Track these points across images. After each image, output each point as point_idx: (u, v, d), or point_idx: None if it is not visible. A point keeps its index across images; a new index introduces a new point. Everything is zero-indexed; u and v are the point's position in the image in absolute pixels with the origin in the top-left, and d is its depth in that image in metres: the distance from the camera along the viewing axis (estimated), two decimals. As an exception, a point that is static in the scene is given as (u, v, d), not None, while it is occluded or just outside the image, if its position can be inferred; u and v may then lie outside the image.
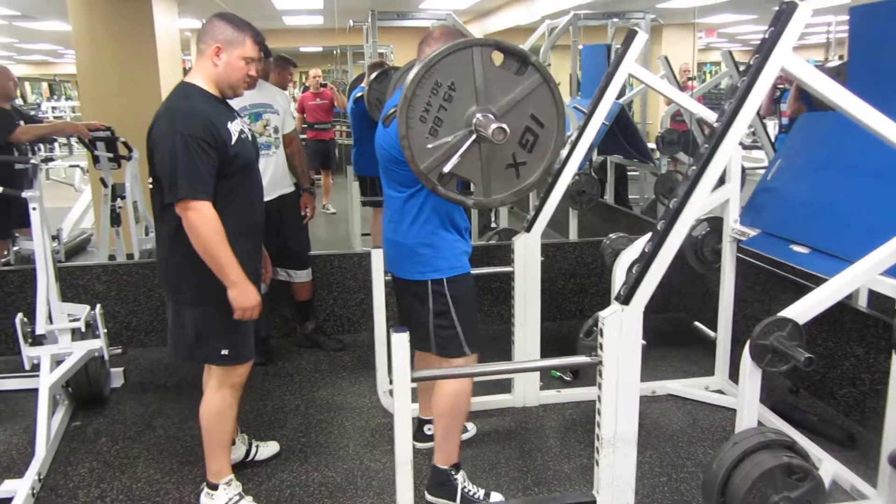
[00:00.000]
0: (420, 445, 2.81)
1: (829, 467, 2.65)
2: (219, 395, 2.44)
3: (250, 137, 2.42)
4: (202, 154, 2.13)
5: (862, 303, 3.22)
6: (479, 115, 1.77)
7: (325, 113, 8.06)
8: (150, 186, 2.31)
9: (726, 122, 1.98)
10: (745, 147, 6.45)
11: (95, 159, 4.83)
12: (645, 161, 5.65)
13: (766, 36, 1.99)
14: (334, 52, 12.67)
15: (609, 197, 6.01)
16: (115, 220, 4.87)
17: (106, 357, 3.21)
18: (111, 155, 4.78)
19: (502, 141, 1.68)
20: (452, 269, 2.39)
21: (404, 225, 2.37)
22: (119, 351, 3.36)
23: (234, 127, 2.29)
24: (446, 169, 1.78)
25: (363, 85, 5.09)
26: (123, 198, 4.83)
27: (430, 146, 1.76)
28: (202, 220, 2.14)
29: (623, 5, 6.92)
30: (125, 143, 4.76)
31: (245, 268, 2.26)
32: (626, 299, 2.06)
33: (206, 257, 2.18)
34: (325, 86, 8.35)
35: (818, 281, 3.06)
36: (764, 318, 3.60)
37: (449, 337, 2.44)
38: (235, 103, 3.39)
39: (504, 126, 1.67)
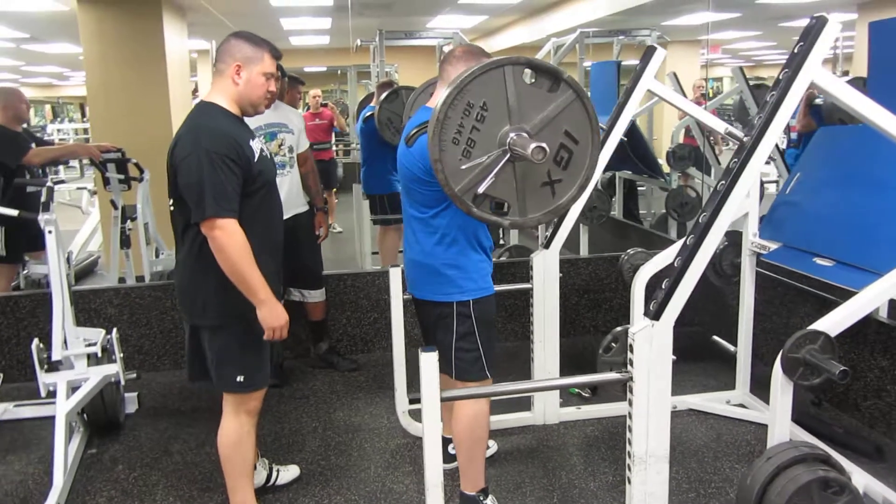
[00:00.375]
0: (445, 466, 2.77)
1: (860, 480, 2.61)
2: (235, 422, 2.40)
3: (269, 156, 2.41)
4: (227, 172, 2.11)
5: (882, 314, 3.19)
6: (512, 135, 1.76)
7: (324, 133, 8.08)
8: (171, 207, 2.29)
9: (756, 136, 1.97)
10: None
11: (106, 181, 4.82)
12: (654, 176, 5.65)
13: (796, 50, 1.99)
14: (338, 71, 12.74)
15: (618, 212, 6.00)
16: (125, 242, 4.84)
17: (122, 382, 3.18)
18: (122, 176, 4.76)
19: (542, 160, 1.66)
20: (479, 291, 2.36)
21: (429, 245, 2.34)
22: (134, 376, 3.34)
23: (256, 145, 2.29)
24: (481, 190, 1.75)
25: (373, 104, 5.09)
26: (134, 219, 4.82)
27: (463, 167, 1.74)
28: (230, 239, 2.11)
29: (628, 23, 6.95)
30: (136, 165, 4.76)
31: (269, 286, 2.24)
32: (656, 314, 2.04)
33: (233, 276, 2.15)
34: (325, 105, 8.37)
35: (840, 293, 3.06)
36: (782, 332, 3.61)
37: (471, 360, 2.40)
38: (251, 123, 3.43)
39: (543, 145, 1.65)
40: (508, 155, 1.75)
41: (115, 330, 3.25)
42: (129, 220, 4.82)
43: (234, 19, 7.85)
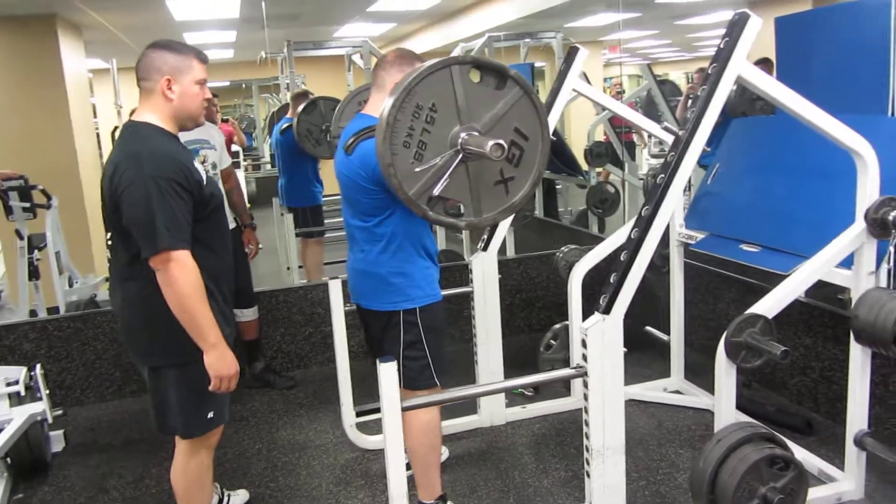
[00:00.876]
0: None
1: (797, 455, 2.73)
2: (195, 459, 2.24)
3: (212, 177, 2.30)
4: (177, 199, 1.94)
5: (802, 294, 3.36)
6: (463, 135, 1.76)
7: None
8: (108, 242, 2.11)
9: (691, 129, 2.04)
10: (654, 156, 6.72)
11: (8, 210, 4.55)
12: (574, 174, 5.78)
13: (721, 46, 2.07)
14: (242, 85, 12.47)
15: (540, 212, 6.11)
16: (34, 273, 4.58)
17: (49, 420, 3.00)
18: (27, 205, 4.51)
19: (500, 157, 1.67)
20: (426, 298, 2.35)
21: (373, 254, 2.32)
22: (60, 412, 3.16)
23: (199, 166, 2.14)
24: (436, 192, 1.75)
25: (289, 115, 5.02)
26: (42, 248, 4.57)
27: (417, 170, 1.73)
28: (183, 273, 1.93)
29: (534, 26, 7.09)
30: (43, 191, 4.52)
31: (225, 317, 2.13)
32: (606, 308, 2.09)
33: (182, 315, 1.96)
34: (226, 121, 8.17)
35: (763, 276, 3.21)
36: (710, 318, 3.75)
37: (419, 368, 2.38)
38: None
39: (501, 142, 1.65)
40: (461, 155, 1.75)
41: (38, 366, 3.07)
42: (36, 250, 4.56)
43: (134, 36, 7.56)
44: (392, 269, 2.31)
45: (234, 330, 2.26)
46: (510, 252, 5.18)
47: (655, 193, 2.05)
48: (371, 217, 2.30)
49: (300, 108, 4.61)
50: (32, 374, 3.05)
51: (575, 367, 2.14)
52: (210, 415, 2.19)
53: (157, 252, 1.92)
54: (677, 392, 3.45)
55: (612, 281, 2.09)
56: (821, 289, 3.12)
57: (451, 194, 1.80)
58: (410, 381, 2.41)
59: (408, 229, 2.28)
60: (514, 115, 1.80)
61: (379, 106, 2.15)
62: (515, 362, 3.90)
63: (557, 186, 6.92)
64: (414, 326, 2.35)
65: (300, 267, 5.51)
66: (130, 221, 1.96)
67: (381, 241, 2.30)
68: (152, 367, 2.15)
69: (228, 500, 2.73)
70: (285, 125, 4.97)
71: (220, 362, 2.04)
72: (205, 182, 2.09)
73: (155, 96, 2.07)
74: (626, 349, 2.15)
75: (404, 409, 2.00)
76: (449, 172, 1.75)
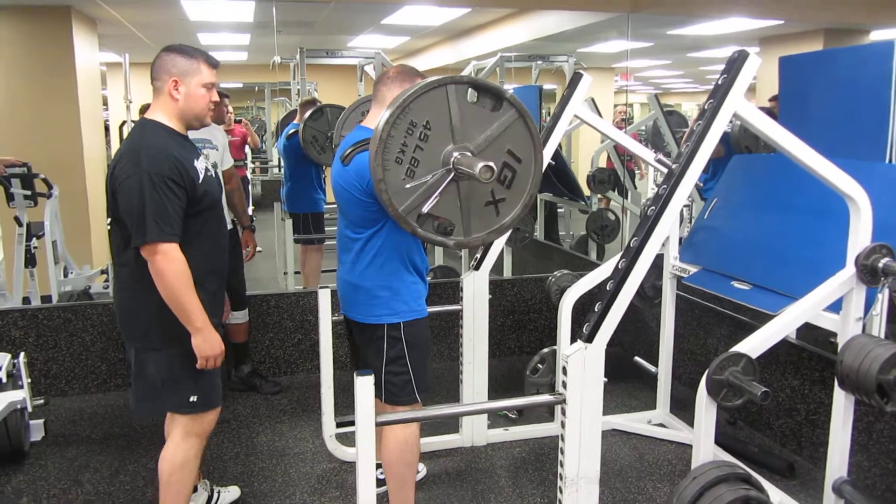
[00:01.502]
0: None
1: (775, 497, 2.72)
2: (184, 444, 2.29)
3: (214, 175, 2.34)
4: (170, 194, 2.05)
5: (792, 335, 3.35)
6: (456, 154, 1.75)
7: (236, 150, 7.89)
8: (108, 227, 2.21)
9: (684, 163, 2.04)
10: (659, 186, 6.71)
11: (10, 197, 4.56)
12: (575, 199, 5.78)
13: (720, 82, 2.08)
14: (255, 88, 12.53)
15: (540, 234, 6.11)
16: (30, 260, 4.59)
17: (29, 409, 3.00)
18: (28, 192, 4.52)
19: (490, 179, 1.67)
20: (411, 313, 2.34)
21: (361, 266, 2.32)
22: (42, 402, 3.15)
23: (200, 164, 2.22)
24: (425, 209, 1.74)
25: (296, 122, 5.04)
26: (40, 237, 4.58)
27: (407, 186, 1.73)
28: (169, 264, 2.05)
29: (547, 49, 7.13)
30: (45, 180, 4.53)
31: (211, 309, 2.19)
32: (588, 337, 2.08)
33: (171, 302, 2.09)
34: (239, 122, 8.20)
35: (754, 315, 3.19)
36: (700, 353, 3.73)
37: (401, 384, 2.37)
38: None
39: (491, 164, 1.65)
40: (453, 174, 1.75)
41: (22, 354, 3.07)
42: (34, 238, 4.57)
43: (149, 32, 7.61)
44: (378, 283, 2.31)
45: (219, 322, 2.33)
46: (507, 272, 5.18)
47: (645, 225, 2.05)
48: (362, 229, 2.30)
49: (307, 114, 4.63)
50: (16, 361, 3.04)
51: (554, 394, 2.12)
52: (193, 398, 2.24)
53: (145, 243, 2.04)
54: (661, 425, 3.43)
55: (596, 310, 2.07)
56: (813, 331, 3.11)
57: (441, 213, 1.80)
58: (391, 396, 2.40)
59: (397, 244, 2.28)
60: (508, 138, 1.80)
61: (377, 120, 2.20)
62: (503, 384, 3.90)
63: (559, 210, 6.93)
64: (398, 341, 2.34)
65: (297, 273, 5.51)
66: (124, 211, 2.08)
67: (370, 254, 2.30)
68: (137, 349, 2.23)
69: (218, 496, 2.76)
70: (292, 131, 5.00)
71: (206, 344, 2.15)
72: (200, 180, 2.17)
73: (163, 96, 2.20)
74: (606, 379, 2.13)
75: (379, 424, 1.99)
76: (440, 191, 1.74)
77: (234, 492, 2.84)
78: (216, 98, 2.25)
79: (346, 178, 2.26)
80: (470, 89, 1.79)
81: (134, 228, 2.05)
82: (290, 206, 5.19)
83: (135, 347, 2.24)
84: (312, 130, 4.55)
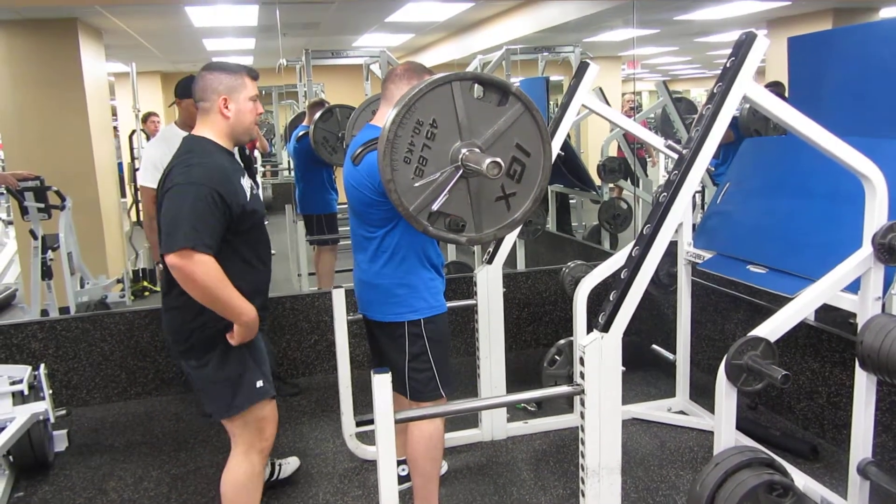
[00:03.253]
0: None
1: (799, 481, 2.70)
2: (247, 462, 2.26)
3: (258, 194, 2.35)
4: (213, 208, 2.02)
5: (811, 318, 3.32)
6: (464, 151, 1.75)
7: None
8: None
9: (694, 148, 2.02)
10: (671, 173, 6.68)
11: (24, 210, 4.60)
12: (586, 189, 5.76)
13: (728, 65, 2.06)
14: (262, 92, 12.56)
15: (552, 225, 6.09)
16: (47, 273, 4.63)
17: (52, 420, 3.02)
18: (41, 205, 4.56)
19: (497, 175, 1.66)
20: (430, 310, 2.34)
21: (378, 265, 2.32)
22: (64, 412, 3.18)
23: (246, 183, 2.22)
24: (435, 207, 1.73)
25: (305, 124, 5.04)
26: (55, 249, 4.62)
27: (416, 185, 1.72)
28: (203, 268, 1.97)
29: (552, 40, 7.10)
30: (58, 192, 4.56)
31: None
32: (605, 326, 2.07)
33: (211, 302, 2.04)
34: None
35: (772, 299, 3.17)
36: (718, 339, 3.71)
37: (425, 380, 2.37)
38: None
39: (498, 160, 1.64)
40: (461, 171, 1.74)
41: (42, 366, 3.10)
42: (50, 250, 4.61)
43: (155, 41, 7.65)
44: (396, 281, 2.31)
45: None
46: (520, 265, 5.17)
47: (657, 211, 2.04)
48: (376, 228, 2.30)
49: (316, 115, 4.63)
50: (36, 373, 3.07)
51: (573, 385, 2.12)
52: (259, 384, 2.23)
53: (178, 249, 1.96)
54: (682, 413, 3.41)
55: (611, 299, 2.06)
56: (832, 312, 3.09)
57: (451, 210, 1.79)
58: (416, 393, 2.40)
59: (412, 241, 2.28)
60: (516, 131, 1.79)
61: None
62: (521, 377, 3.89)
63: (571, 201, 6.91)
64: (419, 338, 2.35)
65: (311, 274, 5.52)
66: (161, 221, 2.06)
67: (386, 253, 2.30)
68: (194, 363, 2.20)
69: (280, 469, 2.90)
70: (301, 133, 5.00)
71: (247, 331, 2.13)
72: (248, 198, 2.17)
73: (213, 115, 2.18)
74: (624, 368, 2.12)
75: (398, 422, 1.99)
76: (449, 188, 1.73)
77: (293, 462, 2.99)
78: (261, 110, 2.26)
79: (357, 177, 2.26)
80: (475, 85, 1.78)
81: (166, 234, 2.00)
82: (302, 207, 5.20)
83: (192, 361, 2.19)
84: (323, 131, 4.55)
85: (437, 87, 1.72)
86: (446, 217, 1.81)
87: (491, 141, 1.76)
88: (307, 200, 5.13)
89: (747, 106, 4.02)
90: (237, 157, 2.40)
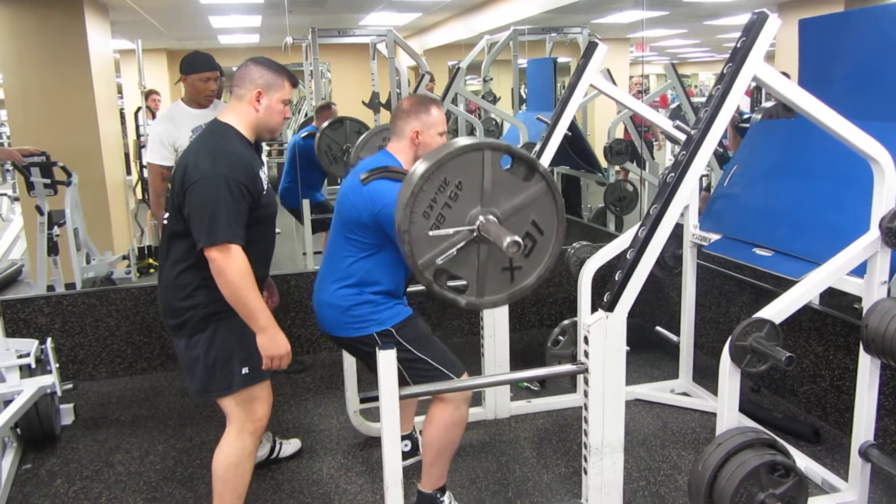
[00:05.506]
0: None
1: (801, 462, 2.71)
2: (239, 442, 2.28)
3: (270, 189, 2.37)
4: (241, 200, 2.09)
5: (815, 301, 3.32)
6: (481, 218, 1.75)
7: None
8: (165, 221, 2.24)
9: (703, 129, 2.02)
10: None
11: (30, 186, 4.61)
12: (592, 171, 5.74)
13: (738, 45, 2.04)
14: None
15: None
16: (53, 248, 4.65)
17: (59, 393, 3.05)
18: (47, 181, 4.57)
19: (514, 254, 1.67)
20: (396, 317, 2.33)
21: (339, 285, 2.30)
22: (70, 386, 3.20)
23: (264, 175, 2.26)
24: (440, 261, 1.73)
25: (314, 125, 5.02)
26: (61, 225, 4.63)
27: (429, 234, 1.72)
28: (236, 264, 2.05)
29: (560, 21, 7.05)
30: (64, 168, 4.57)
31: None
32: (610, 306, 2.07)
33: (235, 301, 2.10)
34: None
35: (777, 282, 3.17)
36: (722, 322, 3.72)
37: (430, 376, 2.32)
38: (191, 122, 3.34)
39: (518, 240, 1.64)
40: (475, 235, 1.75)
41: (49, 340, 3.12)
42: (56, 226, 4.63)
43: (161, 18, 7.62)
44: (359, 301, 2.30)
45: None
46: (525, 247, 5.17)
47: (664, 192, 2.03)
48: (354, 250, 2.31)
49: (325, 123, 4.61)
50: (43, 347, 3.09)
51: (577, 364, 2.13)
52: (244, 370, 2.23)
53: (217, 244, 2.04)
54: (684, 394, 3.43)
55: (617, 279, 2.07)
56: (837, 297, 3.09)
57: (457, 270, 1.80)
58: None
59: (382, 274, 2.31)
60: (535, 209, 1.80)
61: (400, 150, 2.35)
62: (525, 357, 3.91)
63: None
64: (399, 345, 2.27)
65: (316, 252, 5.52)
66: (194, 211, 2.07)
67: (355, 276, 2.30)
68: (186, 339, 2.23)
69: (280, 447, 2.94)
70: (307, 133, 4.97)
71: (271, 343, 2.14)
72: (265, 191, 2.22)
73: (243, 104, 2.21)
74: (628, 348, 2.13)
75: (402, 398, 2.01)
76: (458, 247, 1.74)
77: (294, 444, 3.01)
78: (289, 115, 2.30)
79: (359, 197, 2.26)
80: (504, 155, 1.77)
81: (204, 228, 2.05)
82: (287, 202, 5.14)
83: (183, 339, 2.23)
84: (328, 139, 4.54)
85: (469, 152, 1.72)
86: (450, 277, 1.81)
87: (509, 213, 1.77)
88: (292, 196, 5.08)
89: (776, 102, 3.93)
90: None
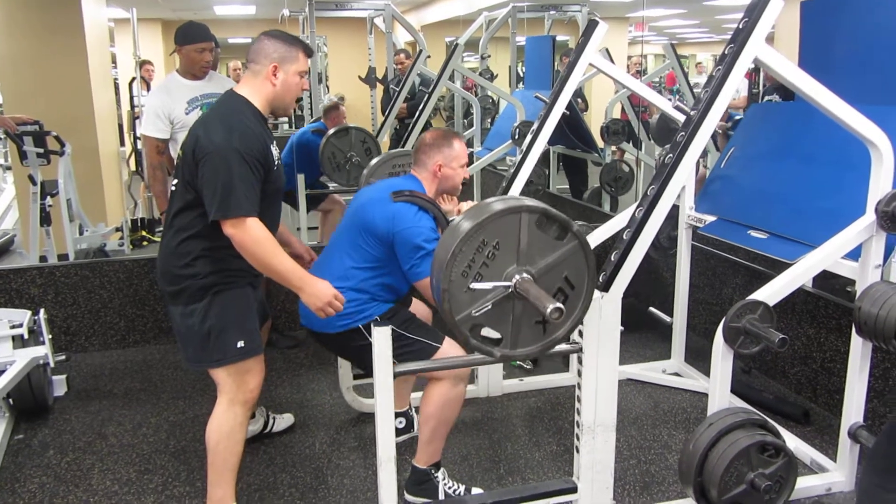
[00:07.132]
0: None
1: (791, 443, 2.73)
2: (230, 412, 2.28)
3: (280, 165, 2.36)
4: (254, 173, 2.10)
5: (808, 284, 3.33)
6: (517, 277, 1.79)
7: None
8: (172, 188, 2.24)
9: (703, 110, 2.01)
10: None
11: (23, 155, 4.57)
12: (588, 151, 5.73)
13: (741, 26, 2.03)
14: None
15: (552, 186, 6.07)
16: (46, 219, 4.62)
17: (51, 364, 3.05)
18: (40, 150, 4.53)
19: (557, 320, 1.72)
20: (379, 309, 2.40)
21: (336, 284, 2.27)
22: (63, 358, 3.20)
23: (275, 151, 2.25)
24: (474, 312, 1.77)
25: (323, 121, 4.97)
26: (54, 195, 4.60)
27: (467, 288, 1.76)
28: (255, 233, 2.08)
29: (559, -2, 6.99)
30: (57, 138, 4.53)
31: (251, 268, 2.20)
32: (605, 286, 2.08)
33: (264, 269, 2.13)
34: None
35: (770, 264, 3.18)
36: (715, 303, 3.73)
37: (421, 353, 2.37)
38: (187, 94, 3.31)
39: (560, 306, 1.69)
40: (510, 290, 1.78)
41: (41, 311, 3.11)
42: (48, 196, 4.60)
43: (156, -14, 7.54)
44: (349, 299, 2.32)
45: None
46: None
47: (662, 173, 2.03)
48: (358, 257, 2.38)
49: (331, 131, 4.56)
50: (36, 318, 3.08)
51: (571, 343, 2.13)
52: (240, 344, 2.24)
53: (233, 217, 2.05)
54: (676, 374, 3.45)
55: (612, 259, 2.07)
56: (830, 280, 3.10)
57: (491, 324, 1.84)
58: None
59: (379, 290, 2.40)
60: (567, 266, 1.84)
61: (423, 180, 2.47)
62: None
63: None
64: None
65: (311, 228, 5.51)
66: (207, 183, 2.07)
67: (352, 280, 2.36)
68: (183, 308, 2.23)
69: (273, 422, 2.97)
70: (317, 129, 4.91)
71: (313, 297, 2.15)
72: (275, 166, 2.22)
73: (260, 79, 2.21)
74: (623, 328, 2.14)
75: (397, 375, 2.02)
76: (494, 301, 1.78)
77: (287, 419, 3.04)
78: (307, 86, 2.30)
79: (386, 210, 2.33)
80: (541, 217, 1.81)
81: (217, 201, 2.05)
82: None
83: (179, 307, 2.23)
84: (333, 147, 4.51)
85: (508, 215, 1.76)
86: (483, 329, 1.85)
87: (544, 271, 1.81)
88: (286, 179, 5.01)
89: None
90: None
